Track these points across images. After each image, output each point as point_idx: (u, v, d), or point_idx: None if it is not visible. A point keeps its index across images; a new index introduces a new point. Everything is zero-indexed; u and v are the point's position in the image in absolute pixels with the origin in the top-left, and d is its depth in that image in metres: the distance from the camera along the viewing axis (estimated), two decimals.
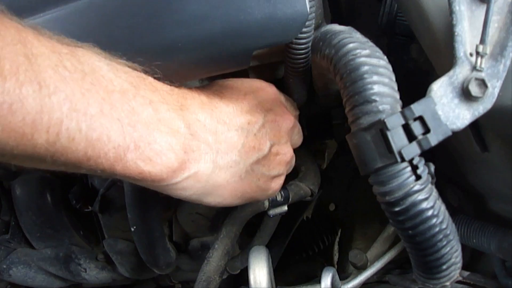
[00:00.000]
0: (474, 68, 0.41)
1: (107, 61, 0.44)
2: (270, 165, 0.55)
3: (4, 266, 0.90)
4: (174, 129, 0.46)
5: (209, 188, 0.50)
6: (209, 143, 0.49)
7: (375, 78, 0.41)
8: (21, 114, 0.35)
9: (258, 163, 0.54)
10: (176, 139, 0.46)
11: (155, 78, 0.48)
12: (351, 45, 0.44)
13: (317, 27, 0.55)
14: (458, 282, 0.63)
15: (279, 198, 0.66)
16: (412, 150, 0.38)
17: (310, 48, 0.54)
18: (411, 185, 0.39)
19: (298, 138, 0.62)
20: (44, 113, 0.36)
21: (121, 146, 0.42)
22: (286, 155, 0.57)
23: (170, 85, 0.49)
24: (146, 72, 0.47)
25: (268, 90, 0.58)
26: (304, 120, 0.67)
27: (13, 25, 0.37)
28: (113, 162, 0.42)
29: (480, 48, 0.41)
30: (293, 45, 0.54)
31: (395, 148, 0.38)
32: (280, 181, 0.59)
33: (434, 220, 0.39)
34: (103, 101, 0.40)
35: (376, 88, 0.40)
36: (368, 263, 0.75)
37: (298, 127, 0.61)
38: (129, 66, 0.46)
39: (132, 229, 0.75)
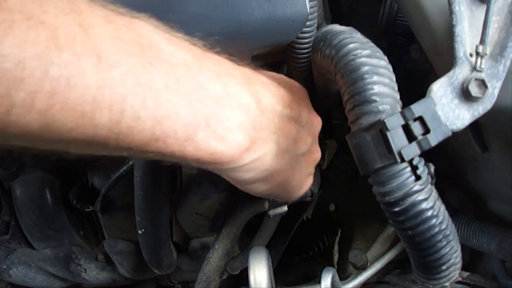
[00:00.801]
0: (474, 68, 0.41)
1: (166, 34, 0.40)
2: (308, 160, 0.53)
3: (4, 267, 0.90)
4: (244, 104, 0.43)
5: (268, 172, 0.47)
6: (275, 123, 0.46)
7: (375, 78, 0.41)
8: (80, 90, 0.31)
9: (303, 156, 0.52)
10: (246, 115, 0.42)
11: (215, 53, 0.45)
12: (351, 46, 0.44)
13: (318, 27, 0.56)
14: (458, 282, 0.63)
15: None
16: (412, 151, 0.38)
17: (311, 48, 0.54)
18: (411, 186, 0.39)
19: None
20: (105, 88, 0.33)
21: (192, 123, 0.38)
22: (318, 154, 0.56)
23: (232, 60, 0.46)
24: (206, 47, 0.44)
25: (304, 91, 0.56)
26: None
27: None
28: (183, 142, 0.38)
29: (480, 49, 0.41)
30: (296, 45, 0.54)
31: (395, 149, 0.38)
32: (311, 181, 0.57)
33: (433, 221, 0.39)
34: (168, 75, 0.37)
35: (376, 88, 0.40)
36: (368, 263, 0.75)
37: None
38: (188, 41, 0.42)
39: (140, 232, 0.75)
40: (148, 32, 0.38)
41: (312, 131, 0.54)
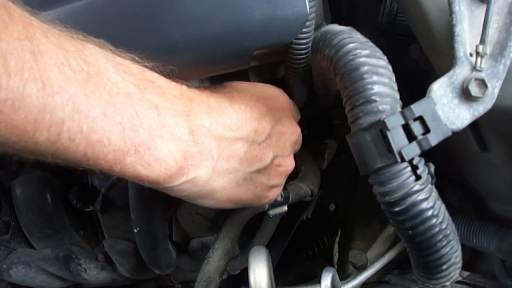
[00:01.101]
0: (474, 68, 0.41)
1: (116, 61, 0.43)
2: (270, 175, 0.55)
3: (4, 266, 0.90)
4: (177, 135, 0.46)
5: (204, 192, 0.50)
6: (211, 149, 0.49)
7: (375, 78, 0.41)
8: (23, 112, 0.35)
9: (258, 172, 0.54)
10: (177, 146, 0.45)
11: (166, 77, 0.47)
12: (351, 45, 0.44)
13: (317, 27, 0.55)
14: (458, 282, 0.63)
15: (279, 198, 0.66)
16: (412, 150, 0.38)
17: (310, 48, 0.54)
18: (411, 185, 0.39)
19: (298, 148, 0.62)
20: (46, 112, 0.36)
21: (121, 149, 0.42)
22: (287, 167, 0.57)
23: (181, 86, 0.49)
24: (160, 72, 0.47)
25: (280, 98, 0.58)
26: (304, 120, 0.67)
27: (21, 20, 0.36)
28: (112, 164, 0.42)
29: (480, 48, 0.41)
30: (294, 45, 0.54)
31: (395, 148, 0.38)
32: (277, 191, 0.59)
33: (434, 220, 0.39)
34: (107, 104, 0.40)
35: (376, 88, 0.40)
36: (368, 263, 0.75)
37: (301, 137, 0.61)
38: (144, 65, 0.46)
39: (136, 230, 0.75)
40: (97, 59, 0.41)
41: (278, 145, 0.55)
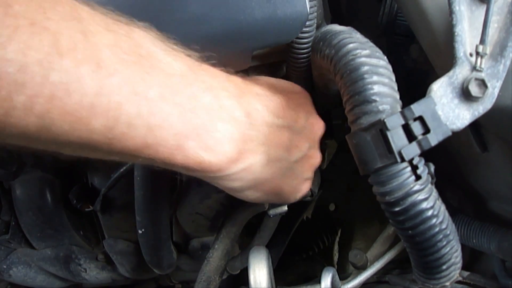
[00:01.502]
0: (474, 68, 0.41)
1: (163, 45, 0.41)
2: (304, 166, 0.54)
3: (4, 266, 0.90)
4: (235, 117, 0.44)
5: (257, 181, 0.48)
6: (265, 134, 0.47)
7: (375, 78, 0.41)
8: (78, 96, 0.32)
9: (297, 163, 0.53)
10: (236, 128, 0.44)
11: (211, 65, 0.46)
12: (351, 45, 0.44)
13: (317, 27, 0.56)
14: (458, 282, 0.63)
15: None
16: (412, 150, 0.38)
17: (310, 48, 0.54)
18: (411, 185, 0.39)
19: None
20: (103, 96, 0.34)
21: (182, 133, 0.39)
22: (317, 159, 0.56)
23: (226, 71, 0.47)
24: (201, 59, 0.45)
25: (306, 95, 0.57)
26: None
27: (68, 1, 0.34)
28: (174, 151, 0.39)
29: (480, 48, 0.41)
30: (294, 45, 0.54)
31: (395, 148, 0.38)
32: (308, 185, 0.58)
33: (434, 220, 0.40)
34: (163, 85, 0.38)
35: (376, 88, 0.40)
36: (368, 263, 0.75)
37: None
38: (184, 53, 0.44)
39: (140, 232, 0.75)
40: (146, 42, 0.39)
41: (311, 137, 0.54)
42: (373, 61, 0.42)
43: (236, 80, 0.48)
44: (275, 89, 0.52)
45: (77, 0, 0.36)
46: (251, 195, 0.51)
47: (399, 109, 0.40)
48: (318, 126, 0.56)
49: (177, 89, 0.39)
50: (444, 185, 0.70)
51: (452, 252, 0.42)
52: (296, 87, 0.57)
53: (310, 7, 0.50)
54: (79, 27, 0.33)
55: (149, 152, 0.39)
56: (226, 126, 0.43)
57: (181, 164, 0.41)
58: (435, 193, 0.41)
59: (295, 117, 0.52)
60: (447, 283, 0.45)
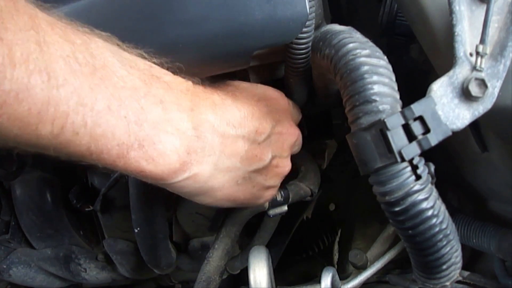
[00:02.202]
0: (474, 68, 0.41)
1: (122, 56, 0.43)
2: (267, 175, 0.55)
3: (4, 266, 0.90)
4: (181, 130, 0.45)
5: (205, 189, 0.50)
6: (214, 145, 0.48)
7: (375, 78, 0.41)
8: (27, 104, 0.34)
9: (256, 172, 0.54)
10: (181, 140, 0.45)
11: (173, 72, 0.47)
12: (351, 45, 0.44)
13: (317, 27, 0.55)
14: (458, 282, 0.63)
15: (279, 198, 0.66)
16: (412, 150, 0.38)
17: (310, 48, 0.54)
18: (411, 185, 0.39)
19: (297, 149, 0.62)
20: (50, 105, 0.35)
21: (125, 143, 0.41)
22: (284, 168, 0.57)
23: (187, 82, 0.48)
24: (168, 68, 0.47)
25: (280, 101, 0.58)
26: (304, 120, 0.67)
27: (27, 11, 0.35)
28: (115, 159, 0.41)
29: (480, 48, 0.41)
30: (294, 45, 0.54)
31: (395, 148, 0.38)
32: (273, 192, 0.60)
33: (434, 220, 0.39)
34: (112, 97, 0.40)
35: (376, 88, 0.40)
36: (368, 263, 0.75)
37: (300, 139, 0.61)
38: (152, 62, 0.45)
39: (136, 231, 0.75)
40: (103, 53, 0.41)
41: (277, 146, 0.55)
42: (373, 61, 0.42)
43: (195, 90, 0.49)
44: (244, 97, 0.53)
45: (38, 8, 0.37)
46: (203, 200, 0.52)
47: (399, 109, 0.40)
48: (288, 135, 0.56)
49: (125, 102, 0.41)
50: (444, 185, 0.70)
51: (452, 252, 0.42)
52: (273, 93, 0.58)
53: (310, 7, 0.50)
54: (35, 38, 0.35)
55: (92, 158, 0.41)
56: (170, 138, 0.44)
57: (123, 170, 0.43)
58: (435, 193, 0.41)
59: (257, 126, 0.52)
60: (447, 283, 0.45)
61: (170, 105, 0.45)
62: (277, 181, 0.58)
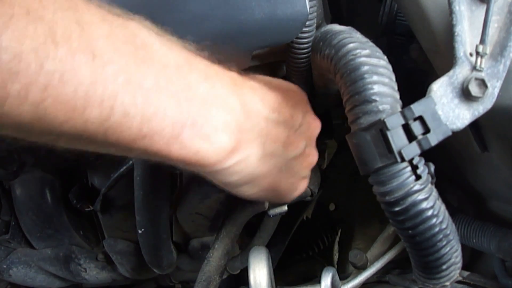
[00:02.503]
0: (474, 68, 0.41)
1: (159, 36, 0.41)
2: (302, 164, 0.54)
3: (4, 266, 0.90)
4: (230, 106, 0.44)
5: (254, 175, 0.48)
6: (261, 127, 0.47)
7: (375, 78, 0.41)
8: (73, 85, 0.32)
9: (294, 160, 0.52)
10: (232, 117, 0.44)
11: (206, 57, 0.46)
12: (351, 45, 0.44)
13: (317, 27, 0.56)
14: (458, 282, 0.63)
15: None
16: (412, 150, 0.38)
17: (310, 48, 0.54)
18: (411, 185, 0.39)
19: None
20: (98, 85, 0.34)
21: (178, 122, 0.39)
22: (314, 157, 0.56)
23: (221, 64, 0.47)
24: (197, 51, 0.45)
25: (302, 94, 0.57)
26: None
27: None
28: (169, 140, 0.39)
29: (480, 48, 0.41)
30: (295, 45, 0.54)
31: (395, 148, 0.38)
32: (305, 184, 0.57)
33: (434, 220, 0.40)
34: (158, 74, 0.38)
35: (376, 88, 0.40)
36: (368, 263, 0.75)
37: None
38: (179, 44, 0.44)
39: (140, 231, 0.75)
40: (141, 32, 0.39)
41: (308, 135, 0.54)
42: (373, 61, 0.42)
43: (231, 73, 0.47)
44: (272, 86, 0.52)
45: None
46: (248, 191, 0.51)
47: (399, 109, 0.40)
48: (315, 125, 0.56)
49: (172, 79, 0.39)
50: (444, 185, 0.71)
51: (452, 252, 0.42)
52: (293, 86, 0.57)
53: (310, 7, 0.50)
54: (75, 17, 0.33)
55: (144, 142, 0.38)
56: (222, 114, 0.43)
57: (177, 155, 0.41)
58: (435, 193, 0.41)
59: (292, 113, 0.51)
60: (447, 283, 0.45)
61: (216, 81, 0.43)
62: (308, 172, 0.57)
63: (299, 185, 0.56)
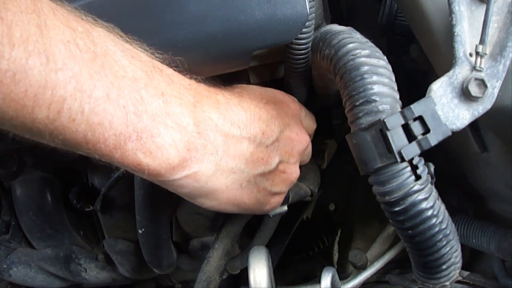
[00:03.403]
0: (473, 68, 0.41)
1: (125, 46, 0.42)
2: (274, 180, 0.54)
3: (4, 266, 0.90)
4: (182, 125, 0.44)
5: (206, 189, 0.49)
6: (216, 144, 0.47)
7: (375, 78, 0.41)
8: (24, 86, 0.34)
9: (262, 176, 0.52)
10: (181, 135, 0.44)
11: (176, 70, 0.46)
12: (351, 45, 0.44)
13: (317, 27, 0.56)
14: (458, 282, 0.63)
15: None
16: (412, 150, 0.38)
17: (310, 49, 0.54)
18: (411, 185, 0.39)
19: (307, 158, 0.61)
20: (48, 88, 0.35)
21: (123, 134, 0.40)
22: (292, 175, 0.56)
23: (190, 79, 0.48)
24: (169, 64, 0.46)
25: (291, 105, 0.56)
26: None
27: None
28: (112, 149, 0.41)
29: (480, 48, 0.41)
30: (293, 46, 0.54)
31: (395, 148, 0.38)
32: (279, 199, 0.58)
33: (433, 220, 0.40)
34: (111, 86, 0.39)
35: (376, 88, 0.40)
36: (368, 263, 0.75)
37: (310, 147, 0.60)
38: (151, 57, 0.45)
39: (140, 231, 0.75)
40: (105, 41, 0.40)
41: (285, 150, 0.54)
42: (373, 61, 0.42)
43: (198, 87, 0.48)
44: (251, 99, 0.52)
45: None
46: (206, 203, 0.51)
47: (399, 109, 0.40)
48: (298, 141, 0.55)
49: (124, 92, 0.40)
50: (444, 185, 0.71)
51: (452, 252, 0.42)
52: (284, 97, 0.57)
53: (310, 8, 0.50)
54: (36, 21, 0.34)
55: (88, 147, 0.40)
56: (169, 132, 0.43)
57: (119, 164, 0.42)
58: (435, 193, 0.41)
59: (264, 129, 0.51)
60: (447, 283, 0.45)
61: (172, 98, 0.44)
62: (283, 188, 0.56)
63: (270, 201, 0.56)
